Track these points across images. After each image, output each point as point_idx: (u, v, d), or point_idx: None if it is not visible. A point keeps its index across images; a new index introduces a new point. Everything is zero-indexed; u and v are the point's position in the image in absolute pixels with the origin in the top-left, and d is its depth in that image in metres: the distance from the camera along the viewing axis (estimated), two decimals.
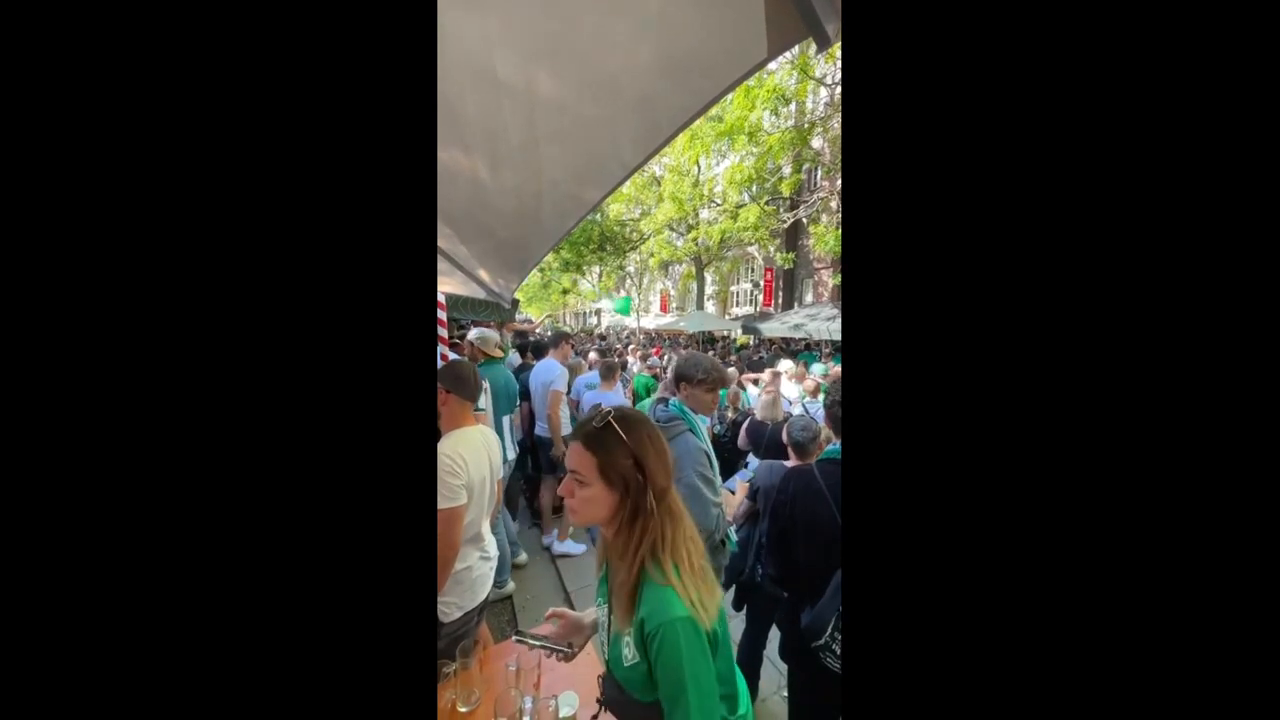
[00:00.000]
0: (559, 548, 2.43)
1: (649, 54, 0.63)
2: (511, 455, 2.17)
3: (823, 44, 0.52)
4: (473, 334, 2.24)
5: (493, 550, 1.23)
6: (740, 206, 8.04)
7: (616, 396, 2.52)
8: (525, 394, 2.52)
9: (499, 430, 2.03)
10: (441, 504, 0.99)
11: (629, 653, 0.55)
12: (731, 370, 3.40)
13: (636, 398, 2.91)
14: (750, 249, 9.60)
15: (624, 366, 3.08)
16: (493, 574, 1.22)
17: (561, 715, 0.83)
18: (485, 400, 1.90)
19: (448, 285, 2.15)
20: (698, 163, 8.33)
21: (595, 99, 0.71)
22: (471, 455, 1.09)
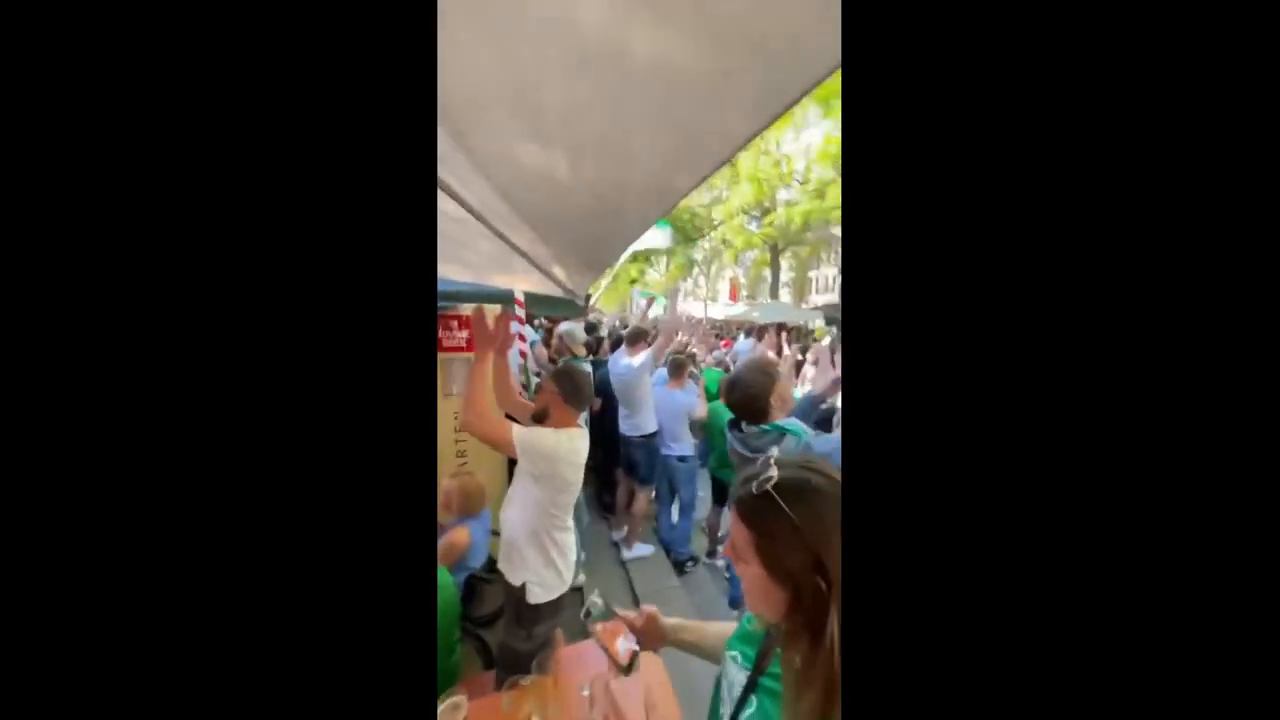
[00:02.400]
0: (628, 553, 2.42)
1: (729, 41, 0.50)
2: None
3: None
4: (562, 328, 2.25)
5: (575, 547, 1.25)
6: (828, 183, 7.20)
7: (690, 396, 2.39)
8: (599, 389, 2.53)
9: None
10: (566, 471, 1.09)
11: None
12: None
13: (708, 396, 2.76)
14: (834, 230, 8.62)
15: (694, 360, 2.92)
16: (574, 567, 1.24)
17: None
18: None
19: (526, 284, 2.22)
20: (777, 141, 7.63)
21: (701, 53, 0.59)
22: (579, 449, 1.14)
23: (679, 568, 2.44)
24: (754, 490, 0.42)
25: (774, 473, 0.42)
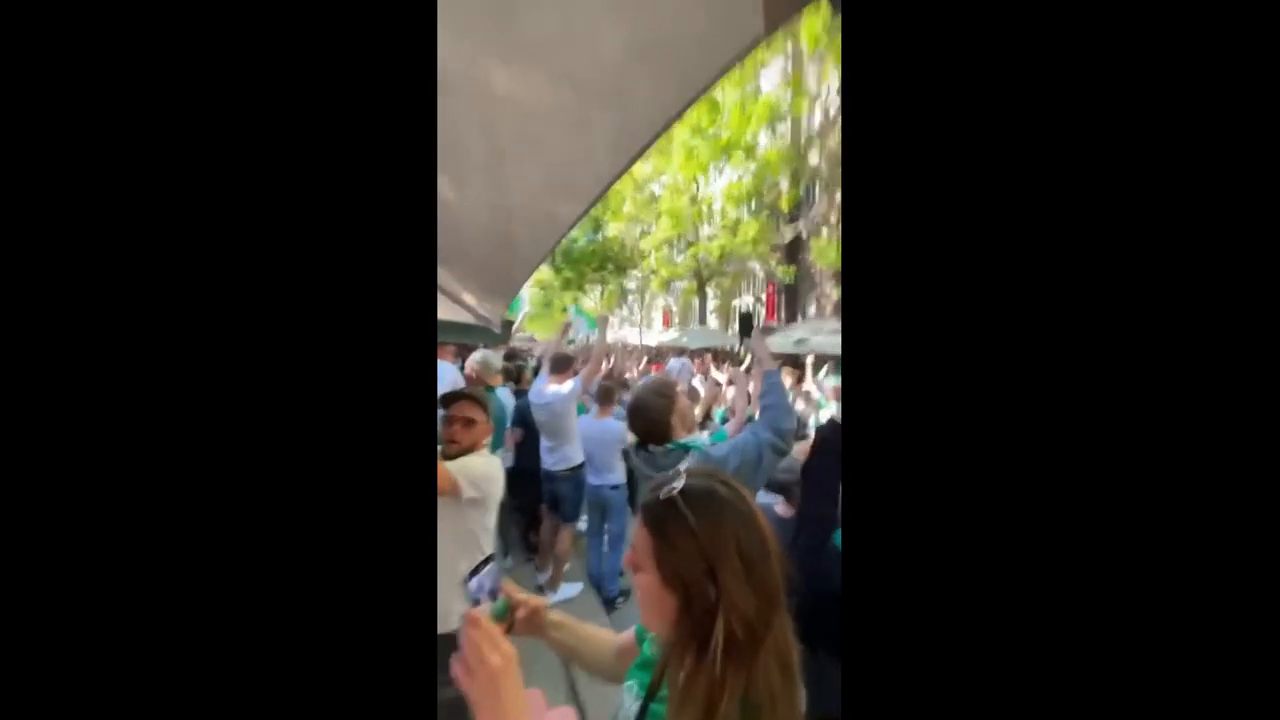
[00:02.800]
0: (553, 596, 2.22)
1: (620, 39, 0.53)
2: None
3: (837, 5, 0.41)
4: (475, 357, 2.09)
5: None
6: (739, 222, 8.06)
7: (621, 424, 2.34)
8: (520, 420, 2.37)
9: None
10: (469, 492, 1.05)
11: None
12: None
13: None
14: (751, 264, 9.59)
15: (625, 386, 2.90)
16: None
17: None
18: None
19: (440, 312, 2.05)
20: (695, 180, 8.42)
21: (559, 97, 0.61)
22: (499, 465, 1.18)
23: (609, 605, 2.30)
24: (660, 496, 0.42)
25: (682, 480, 0.43)
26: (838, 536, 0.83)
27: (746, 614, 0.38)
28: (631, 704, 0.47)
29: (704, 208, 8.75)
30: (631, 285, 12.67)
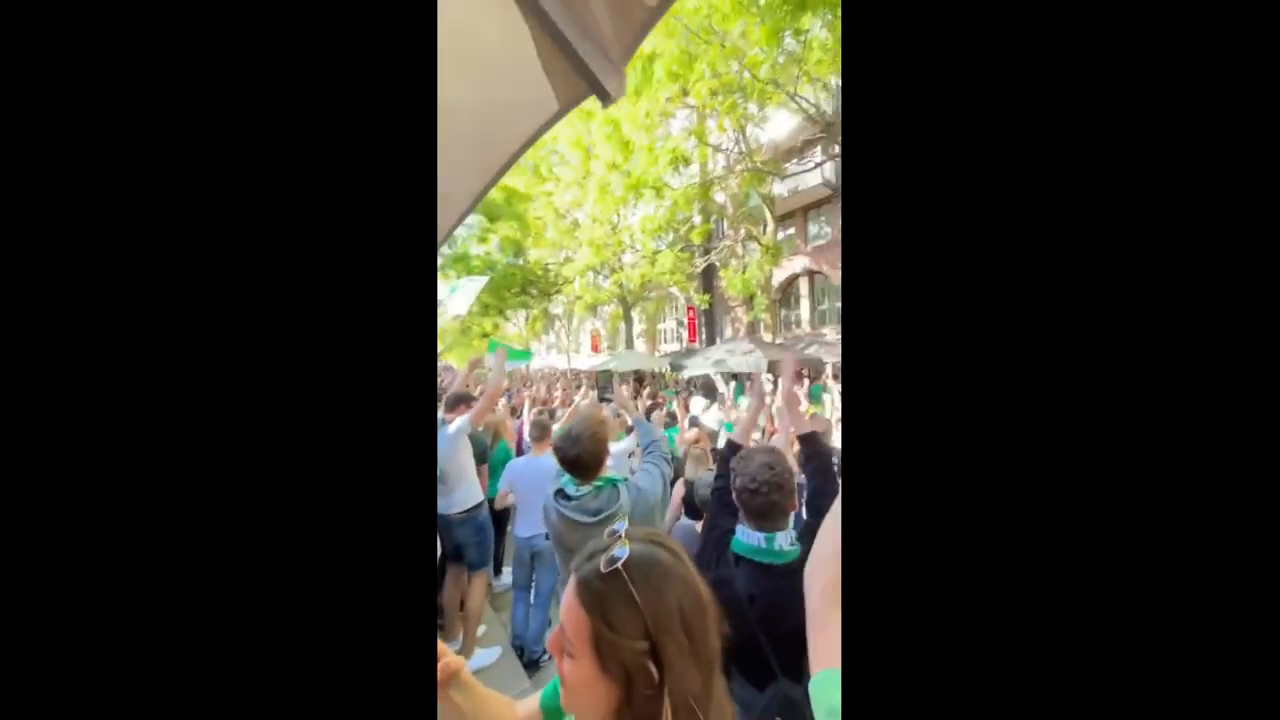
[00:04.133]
0: (470, 663, 1.97)
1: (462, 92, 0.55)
2: None
3: (605, 99, 0.49)
4: None
5: None
6: (657, 253, 8.58)
7: (550, 463, 2.19)
8: None
9: None
10: None
11: None
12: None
13: None
14: (672, 290, 10.19)
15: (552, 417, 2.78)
16: None
17: None
18: None
19: None
20: (616, 211, 8.80)
21: None
22: None
23: (532, 666, 2.12)
24: (601, 568, 0.37)
25: (626, 548, 0.38)
26: (734, 543, 0.90)
27: (693, 689, 0.36)
28: None
29: (625, 237, 9.16)
30: (557, 310, 12.51)
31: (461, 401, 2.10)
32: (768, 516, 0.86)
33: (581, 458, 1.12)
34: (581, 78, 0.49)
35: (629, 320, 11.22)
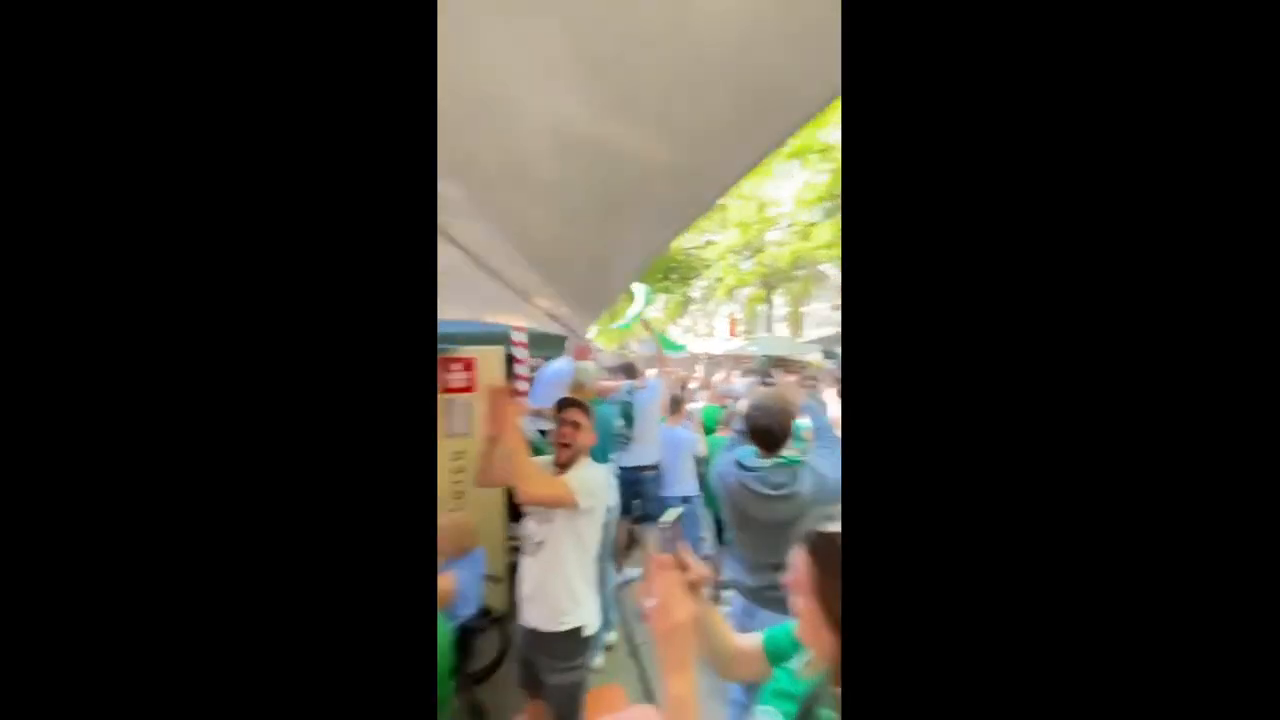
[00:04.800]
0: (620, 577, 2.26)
1: (719, 87, 0.60)
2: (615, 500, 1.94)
3: None
4: (578, 366, 2.05)
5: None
6: (812, 225, 7.66)
7: (688, 433, 2.39)
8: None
9: None
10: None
11: None
12: None
13: (706, 431, 2.76)
14: (822, 267, 8.99)
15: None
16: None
17: None
18: None
19: (530, 322, 2.30)
20: (762, 186, 8.21)
21: (658, 141, 0.70)
22: (605, 482, 1.20)
23: None
24: (825, 530, 0.46)
25: (838, 522, 0.46)
26: None
27: None
28: None
29: (772, 211, 8.48)
30: (695, 294, 12.61)
31: (626, 372, 2.39)
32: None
33: (771, 430, 1.14)
34: None
35: (770, 303, 10.47)
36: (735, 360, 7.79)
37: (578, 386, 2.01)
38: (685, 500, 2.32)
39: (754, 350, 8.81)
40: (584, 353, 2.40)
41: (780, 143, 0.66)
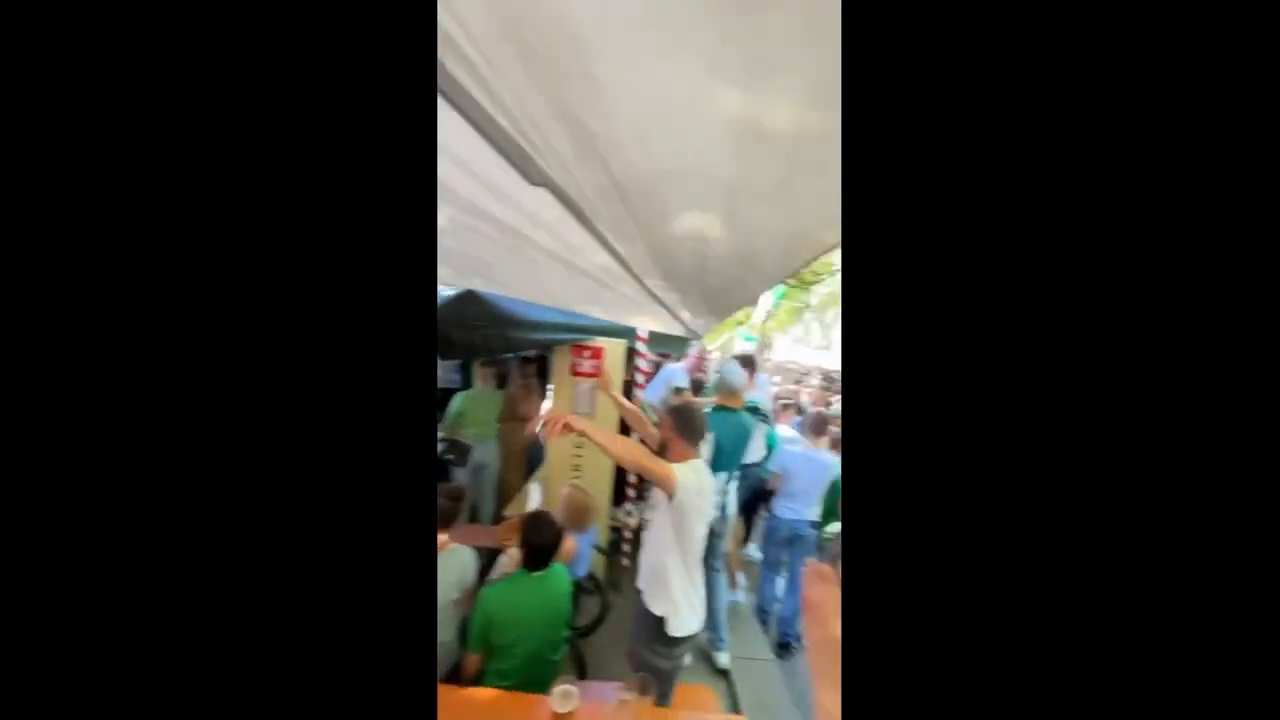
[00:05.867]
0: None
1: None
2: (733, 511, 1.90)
3: None
4: (723, 369, 1.90)
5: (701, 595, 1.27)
6: None
7: (831, 457, 2.14)
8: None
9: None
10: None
11: None
12: None
13: None
14: None
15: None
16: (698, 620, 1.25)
17: None
18: (707, 452, 1.63)
19: (654, 323, 2.44)
20: None
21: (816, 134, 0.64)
22: (711, 481, 1.22)
23: (784, 650, 2.19)
24: None
25: None
26: None
27: None
28: None
29: None
30: (813, 300, 11.53)
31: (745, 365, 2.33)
32: None
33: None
34: None
35: None
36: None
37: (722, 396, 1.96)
38: (813, 526, 2.18)
39: None
40: (698, 363, 2.44)
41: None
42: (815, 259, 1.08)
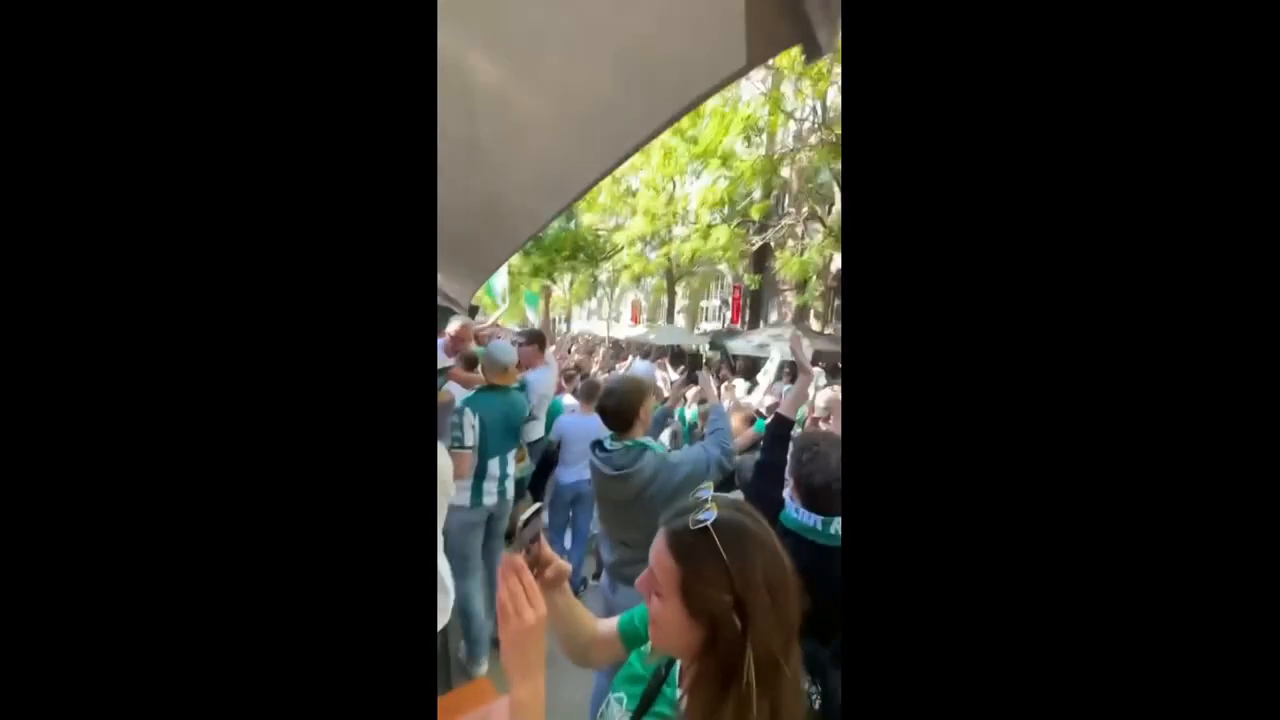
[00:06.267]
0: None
1: (607, 52, 0.56)
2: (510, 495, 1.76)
3: (813, 54, 0.46)
4: (488, 349, 1.77)
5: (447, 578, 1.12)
6: (711, 226, 8.28)
7: (593, 420, 2.34)
8: None
9: (483, 473, 1.64)
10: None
11: None
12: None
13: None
14: (720, 267, 9.87)
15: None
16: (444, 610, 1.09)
17: None
18: (472, 436, 1.58)
19: None
20: (672, 180, 8.51)
21: (542, 100, 0.63)
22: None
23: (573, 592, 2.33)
24: (690, 525, 0.43)
25: (714, 512, 0.43)
26: (783, 516, 0.94)
27: (775, 645, 0.39)
28: (620, 715, 0.50)
29: (679, 209, 8.87)
30: (603, 277, 12.57)
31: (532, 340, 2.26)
32: (829, 504, 0.89)
33: (616, 411, 1.19)
34: (791, 25, 0.43)
35: (672, 294, 11.09)
36: (636, 347, 8.06)
37: (482, 371, 1.76)
38: (588, 483, 2.31)
39: (653, 339, 9.24)
40: (454, 343, 2.14)
41: (667, 124, 0.65)
42: (538, 231, 1.05)
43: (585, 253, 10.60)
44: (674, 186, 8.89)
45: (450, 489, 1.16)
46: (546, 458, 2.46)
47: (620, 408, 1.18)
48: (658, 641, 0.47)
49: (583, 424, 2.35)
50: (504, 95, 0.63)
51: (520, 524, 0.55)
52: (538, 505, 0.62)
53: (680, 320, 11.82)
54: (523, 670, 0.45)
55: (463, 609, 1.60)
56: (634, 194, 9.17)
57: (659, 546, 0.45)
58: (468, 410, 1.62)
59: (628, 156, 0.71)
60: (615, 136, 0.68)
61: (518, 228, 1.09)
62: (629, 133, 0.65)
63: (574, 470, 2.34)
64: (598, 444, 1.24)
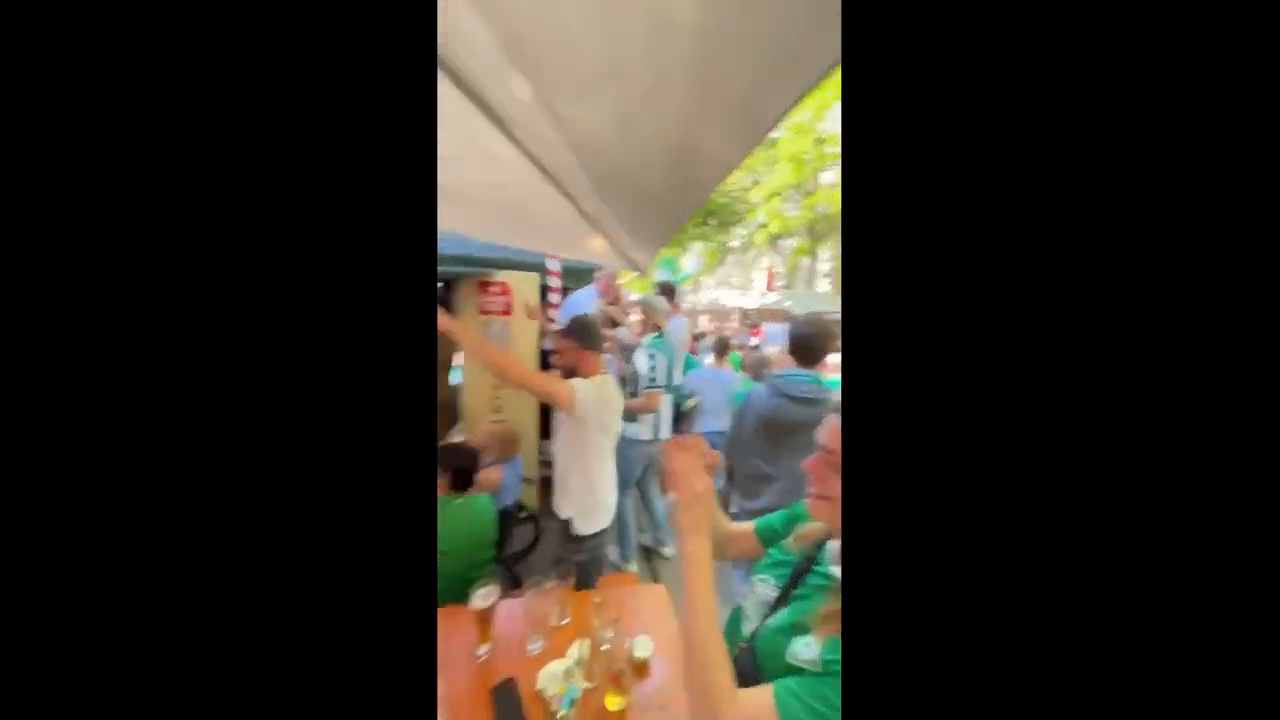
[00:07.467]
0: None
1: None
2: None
3: None
4: (644, 299, 2.01)
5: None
6: None
7: (729, 373, 2.46)
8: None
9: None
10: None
11: (808, 654, 0.47)
12: None
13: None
14: None
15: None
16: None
17: (636, 655, 0.87)
18: (663, 375, 1.79)
19: (576, 253, 2.29)
20: (821, 116, 7.27)
21: (732, 27, 0.61)
22: (618, 394, 1.30)
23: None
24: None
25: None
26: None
27: None
28: (768, 592, 0.58)
29: (827, 149, 7.56)
30: (735, 243, 11.94)
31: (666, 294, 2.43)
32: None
33: (811, 342, 1.29)
34: None
35: (815, 255, 9.77)
36: (769, 315, 7.52)
37: (647, 322, 2.03)
38: (721, 434, 2.43)
39: (789, 306, 8.41)
40: (608, 287, 2.42)
41: (834, 61, 0.57)
42: (719, 182, 1.04)
43: (716, 218, 10.20)
44: (824, 125, 7.59)
45: (618, 420, 1.32)
46: (680, 410, 2.64)
47: (813, 344, 1.29)
48: (820, 516, 0.54)
49: (717, 376, 2.43)
50: (699, 24, 0.62)
51: (683, 410, 0.64)
52: (699, 399, 0.69)
53: (825, 284, 10.38)
54: (695, 528, 0.55)
55: (620, 518, 1.93)
56: (776, 145, 8.21)
57: (834, 428, 0.52)
58: (658, 353, 1.85)
59: (811, 88, 0.65)
60: (804, 63, 0.62)
61: (706, 176, 1.09)
62: (819, 55, 0.59)
63: (707, 421, 2.45)
64: (778, 376, 1.33)
